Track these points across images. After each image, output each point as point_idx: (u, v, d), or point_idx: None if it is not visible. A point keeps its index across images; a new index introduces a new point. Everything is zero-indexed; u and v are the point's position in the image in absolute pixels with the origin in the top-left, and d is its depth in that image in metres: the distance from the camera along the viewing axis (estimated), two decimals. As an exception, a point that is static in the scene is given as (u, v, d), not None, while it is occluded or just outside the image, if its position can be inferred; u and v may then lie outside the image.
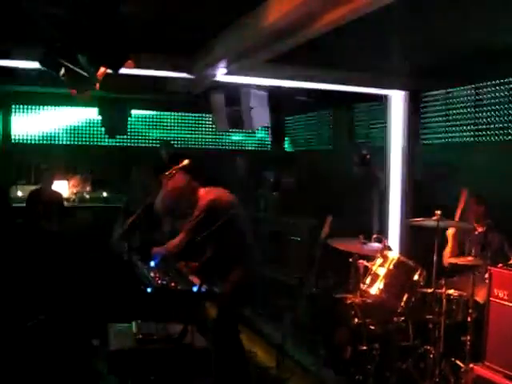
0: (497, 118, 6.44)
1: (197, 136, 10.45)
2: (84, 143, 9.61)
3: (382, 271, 4.68)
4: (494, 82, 6.41)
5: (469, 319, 4.34)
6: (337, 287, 5.67)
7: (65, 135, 9.51)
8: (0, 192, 7.79)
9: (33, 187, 7.93)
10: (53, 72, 3.79)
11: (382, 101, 7.23)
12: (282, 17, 4.23)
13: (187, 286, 3.80)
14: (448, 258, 5.16)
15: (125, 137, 9.64)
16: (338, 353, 4.84)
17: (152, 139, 10.06)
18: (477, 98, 6.70)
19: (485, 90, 6.57)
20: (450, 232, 5.27)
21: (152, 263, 4.07)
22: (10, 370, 4.62)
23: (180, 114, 10.32)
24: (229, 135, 10.51)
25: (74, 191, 8.77)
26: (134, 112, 9.57)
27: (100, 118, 8.88)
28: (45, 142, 9.38)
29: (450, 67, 6.04)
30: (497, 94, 6.42)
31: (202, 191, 4.46)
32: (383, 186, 7.57)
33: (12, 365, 4.71)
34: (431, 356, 4.44)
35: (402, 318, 4.67)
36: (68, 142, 9.51)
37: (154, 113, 10.13)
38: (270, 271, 6.98)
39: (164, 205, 4.41)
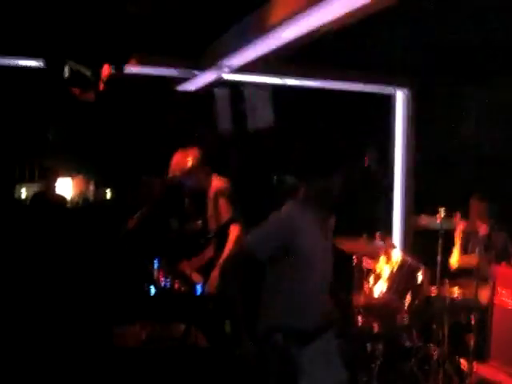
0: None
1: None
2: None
3: (385, 271, 4.67)
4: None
5: (472, 319, 4.33)
6: (340, 287, 5.66)
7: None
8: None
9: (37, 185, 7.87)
10: (57, 71, 3.79)
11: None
12: (286, 16, 4.24)
13: (190, 287, 3.80)
14: (455, 261, 5.13)
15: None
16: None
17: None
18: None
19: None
20: (457, 234, 5.21)
21: (155, 264, 4.06)
22: (13, 370, 4.62)
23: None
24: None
25: (78, 191, 8.77)
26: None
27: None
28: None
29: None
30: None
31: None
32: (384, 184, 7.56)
33: (14, 364, 4.71)
34: (435, 356, 4.43)
35: (406, 318, 4.65)
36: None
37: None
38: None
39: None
